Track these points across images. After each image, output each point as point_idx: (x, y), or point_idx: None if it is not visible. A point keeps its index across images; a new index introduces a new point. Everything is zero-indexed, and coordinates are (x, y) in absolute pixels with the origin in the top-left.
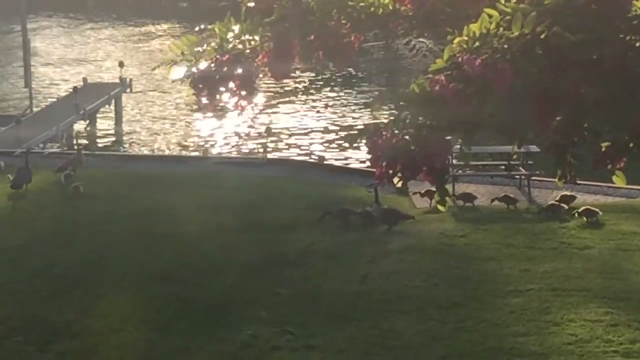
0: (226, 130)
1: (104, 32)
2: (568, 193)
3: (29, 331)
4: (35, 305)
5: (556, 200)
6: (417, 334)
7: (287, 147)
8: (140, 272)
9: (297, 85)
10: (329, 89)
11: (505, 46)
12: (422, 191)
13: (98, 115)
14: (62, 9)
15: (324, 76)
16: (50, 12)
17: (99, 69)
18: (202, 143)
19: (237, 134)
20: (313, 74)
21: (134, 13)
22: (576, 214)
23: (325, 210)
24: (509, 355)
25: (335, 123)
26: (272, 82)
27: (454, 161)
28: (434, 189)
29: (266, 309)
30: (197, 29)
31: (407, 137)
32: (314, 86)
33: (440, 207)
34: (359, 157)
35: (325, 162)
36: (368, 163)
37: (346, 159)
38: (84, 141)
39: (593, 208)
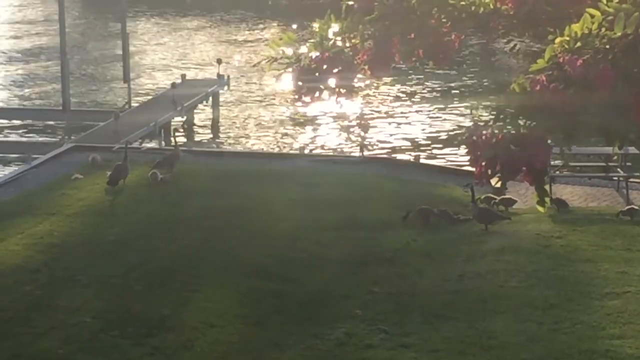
0: (323, 128)
1: (201, 29)
2: None
3: (125, 325)
4: (131, 300)
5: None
6: (513, 334)
7: (384, 145)
8: (235, 267)
9: (395, 83)
10: (428, 87)
11: (607, 47)
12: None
13: (195, 112)
14: (160, 5)
15: (422, 76)
16: (148, 9)
17: (197, 65)
18: (298, 140)
19: (333, 131)
20: (412, 72)
21: (231, 9)
22: None
23: (409, 210)
24: (604, 358)
25: (433, 122)
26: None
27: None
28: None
29: (361, 307)
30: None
31: (507, 136)
32: (413, 84)
33: (539, 208)
34: (455, 156)
35: (421, 160)
36: (466, 163)
37: (444, 158)
38: (181, 137)
39: None
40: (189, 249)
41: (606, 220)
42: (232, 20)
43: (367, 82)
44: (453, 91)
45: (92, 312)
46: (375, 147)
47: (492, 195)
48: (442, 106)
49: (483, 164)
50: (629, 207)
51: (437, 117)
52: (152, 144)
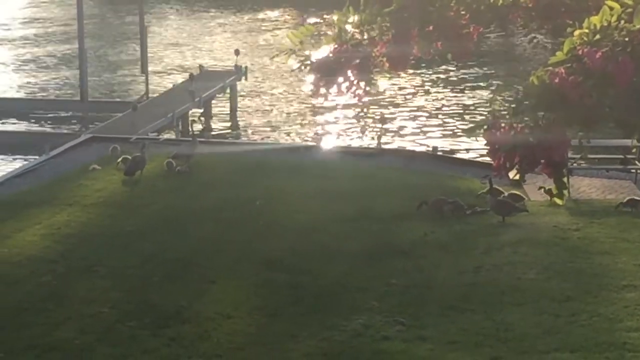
0: (340, 120)
1: (218, 20)
2: None
3: (142, 316)
4: (148, 290)
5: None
6: (530, 326)
7: (401, 136)
8: (251, 259)
9: (413, 75)
10: (446, 79)
11: (627, 39)
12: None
13: (213, 103)
14: None
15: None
16: (166, 1)
17: (214, 56)
18: (316, 132)
19: (351, 123)
20: (430, 65)
21: (250, 1)
22: None
23: (423, 200)
24: (621, 350)
25: (451, 114)
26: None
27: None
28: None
29: (378, 299)
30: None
31: (525, 129)
32: (429, 76)
33: (557, 201)
34: (474, 148)
35: (439, 152)
36: (484, 154)
37: (461, 149)
38: (199, 128)
39: None
40: (205, 240)
41: (623, 212)
42: (250, 11)
43: (385, 74)
44: (471, 83)
45: (109, 302)
46: (392, 138)
47: (498, 188)
48: (460, 98)
49: (502, 156)
50: (630, 197)
51: (456, 109)
52: (169, 135)
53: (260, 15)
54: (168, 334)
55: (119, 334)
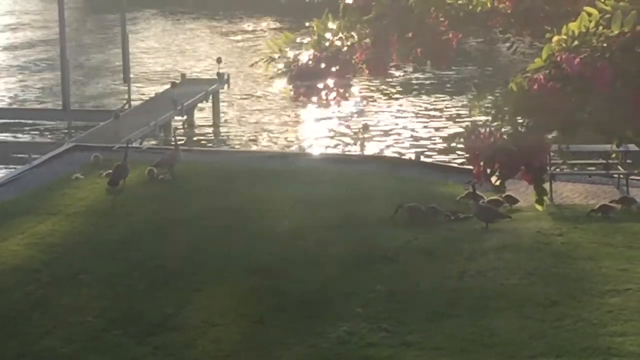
0: (323, 127)
1: (201, 28)
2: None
3: (127, 324)
4: (133, 299)
5: (615, 201)
6: (515, 331)
7: (384, 143)
8: (237, 266)
9: (394, 82)
10: (427, 87)
11: (605, 45)
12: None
13: (195, 111)
14: (159, 5)
15: (422, 73)
16: (148, 9)
17: (196, 65)
18: (298, 139)
19: (333, 130)
20: (410, 71)
21: (231, 9)
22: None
23: (399, 204)
24: (605, 355)
25: (433, 120)
26: (369, 79)
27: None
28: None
29: (363, 305)
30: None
31: (505, 136)
32: (411, 83)
33: (537, 206)
34: (456, 154)
35: (422, 159)
36: (466, 161)
37: (445, 156)
38: (182, 136)
39: None
40: (190, 248)
41: (606, 217)
42: (232, 20)
43: (366, 81)
44: (451, 90)
45: (95, 311)
46: (375, 145)
47: (478, 193)
48: (441, 105)
49: (481, 163)
50: (601, 204)
51: (438, 115)
52: (152, 144)
53: (243, 24)
54: (154, 342)
55: (105, 343)
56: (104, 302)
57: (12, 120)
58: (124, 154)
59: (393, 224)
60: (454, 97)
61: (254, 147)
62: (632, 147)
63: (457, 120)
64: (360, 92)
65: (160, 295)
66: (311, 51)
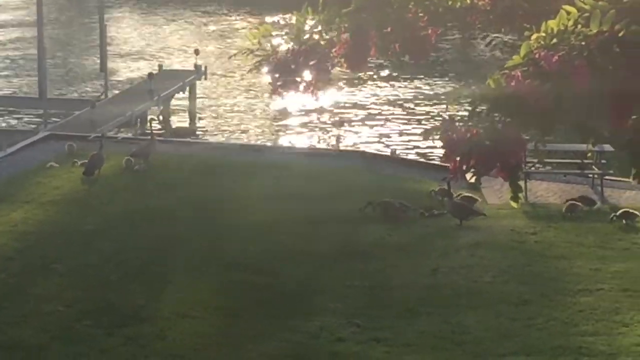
0: (300, 121)
1: (179, 19)
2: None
3: (99, 315)
4: (105, 289)
5: (574, 200)
6: (486, 329)
7: (360, 138)
8: (211, 259)
9: (372, 76)
10: (404, 82)
11: (583, 43)
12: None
13: (172, 102)
14: None
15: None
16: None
17: (174, 56)
18: (275, 132)
19: (310, 124)
20: (389, 66)
21: (211, 1)
22: (614, 217)
23: (369, 201)
24: (576, 354)
25: (410, 116)
26: (347, 73)
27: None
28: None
29: (336, 301)
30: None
31: (481, 132)
32: (388, 79)
33: (512, 204)
34: (433, 150)
35: (397, 154)
36: (442, 157)
37: (419, 152)
38: (158, 127)
39: (632, 211)
40: (164, 239)
41: (580, 217)
42: (210, 11)
43: (344, 74)
44: (429, 85)
45: (67, 301)
46: (351, 140)
47: (446, 189)
48: (418, 100)
49: (457, 159)
50: (570, 202)
51: (414, 111)
52: (128, 134)
53: (222, 16)
54: (125, 334)
55: (76, 333)
56: (76, 292)
57: None
58: (100, 144)
59: (364, 220)
60: (432, 93)
61: (230, 140)
62: (608, 147)
63: (434, 116)
64: (338, 86)
65: (132, 286)
66: (290, 44)
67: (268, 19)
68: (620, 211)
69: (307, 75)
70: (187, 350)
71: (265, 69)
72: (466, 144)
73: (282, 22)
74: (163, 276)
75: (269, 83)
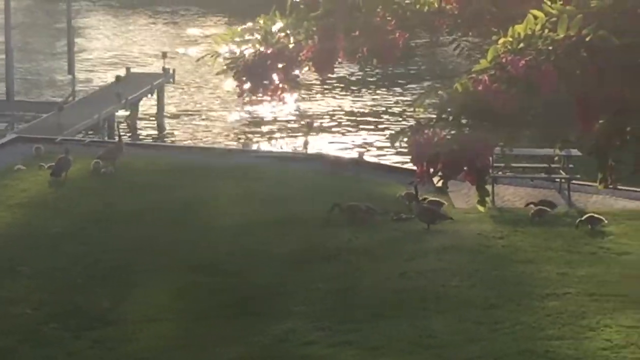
0: (267, 124)
1: (147, 22)
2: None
3: (66, 318)
4: (73, 292)
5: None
6: (453, 333)
7: (327, 142)
8: (178, 262)
9: (340, 80)
10: (372, 85)
11: (550, 48)
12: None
13: (140, 105)
14: None
15: (367, 72)
16: (94, 2)
17: (142, 59)
18: (243, 136)
19: (278, 128)
20: (357, 70)
21: (178, 3)
22: (579, 223)
23: (336, 203)
24: (543, 359)
25: (377, 120)
26: (315, 77)
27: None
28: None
29: (303, 304)
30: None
31: (448, 136)
32: (357, 83)
33: (479, 208)
34: (399, 154)
35: (364, 158)
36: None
37: (387, 156)
38: (125, 130)
39: (597, 215)
40: (131, 242)
41: (547, 221)
42: (178, 14)
43: (312, 78)
44: (397, 89)
45: (34, 304)
46: (319, 144)
47: (412, 193)
48: (386, 104)
49: (425, 163)
50: (538, 207)
51: (382, 115)
52: (95, 137)
53: (191, 19)
54: (92, 337)
55: (43, 336)
56: (44, 295)
57: None
58: (66, 147)
59: (331, 223)
60: (400, 97)
61: (198, 143)
62: (575, 151)
63: (401, 119)
64: (307, 90)
65: (99, 289)
66: (258, 47)
67: (237, 24)
68: (586, 216)
69: (275, 78)
70: (154, 353)
71: (232, 72)
72: (433, 148)
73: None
74: (130, 279)
75: (236, 86)
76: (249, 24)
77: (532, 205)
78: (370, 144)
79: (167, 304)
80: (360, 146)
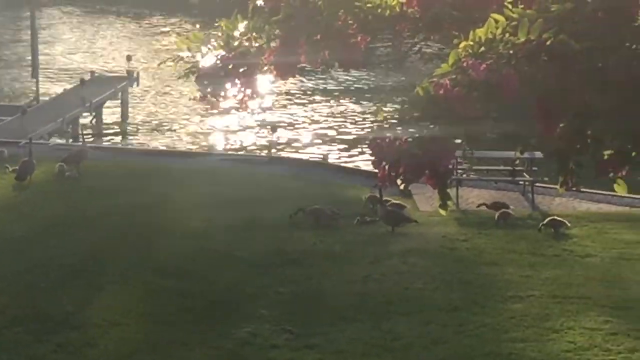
0: (231, 127)
1: (113, 25)
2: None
3: (29, 322)
4: (35, 296)
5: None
6: (417, 336)
7: (291, 145)
8: (141, 265)
9: (303, 84)
10: (334, 88)
11: (511, 52)
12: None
13: (104, 108)
14: (71, 1)
15: (329, 78)
16: (58, 5)
17: (106, 62)
18: (206, 139)
19: (241, 131)
20: (319, 74)
21: (144, 7)
22: (542, 227)
23: (299, 208)
24: None
25: (340, 123)
26: (278, 80)
27: (460, 165)
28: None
29: (267, 307)
30: (198, 26)
31: (410, 140)
32: (319, 86)
33: (441, 211)
34: (363, 157)
35: (329, 161)
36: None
37: (351, 159)
38: (89, 134)
39: (560, 218)
40: (95, 246)
41: (511, 224)
42: (142, 18)
43: (274, 82)
44: (360, 93)
45: None
46: (283, 147)
47: (376, 196)
48: (349, 108)
49: (386, 166)
50: (502, 210)
51: (345, 118)
52: (59, 140)
53: (154, 22)
54: (55, 340)
55: (5, 340)
56: (5, 298)
57: None
58: (29, 150)
59: (296, 226)
60: (362, 101)
61: (162, 146)
62: (538, 154)
63: (364, 123)
64: (269, 93)
65: (62, 293)
66: (219, 51)
67: (200, 25)
68: (548, 219)
69: (237, 82)
70: (117, 357)
71: (194, 76)
72: (395, 152)
73: (213, 31)
74: (93, 283)
75: (198, 90)
76: (211, 31)
77: (484, 207)
78: (334, 147)
79: (130, 308)
80: (324, 149)
